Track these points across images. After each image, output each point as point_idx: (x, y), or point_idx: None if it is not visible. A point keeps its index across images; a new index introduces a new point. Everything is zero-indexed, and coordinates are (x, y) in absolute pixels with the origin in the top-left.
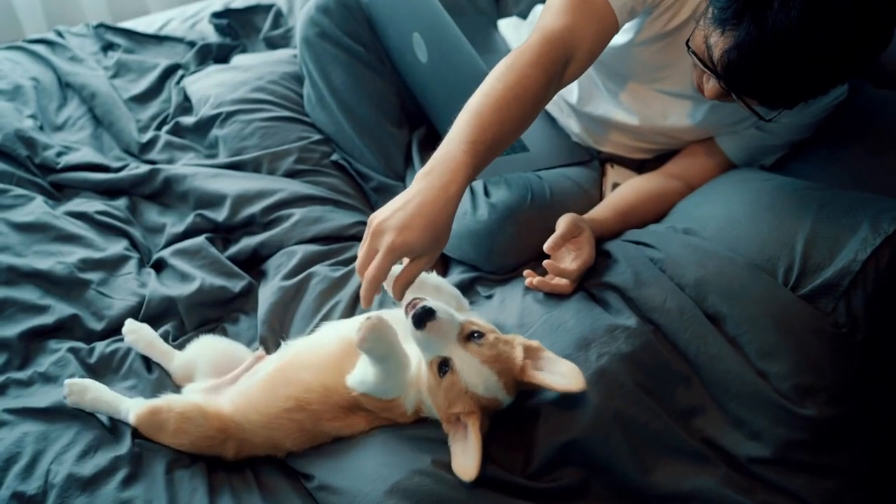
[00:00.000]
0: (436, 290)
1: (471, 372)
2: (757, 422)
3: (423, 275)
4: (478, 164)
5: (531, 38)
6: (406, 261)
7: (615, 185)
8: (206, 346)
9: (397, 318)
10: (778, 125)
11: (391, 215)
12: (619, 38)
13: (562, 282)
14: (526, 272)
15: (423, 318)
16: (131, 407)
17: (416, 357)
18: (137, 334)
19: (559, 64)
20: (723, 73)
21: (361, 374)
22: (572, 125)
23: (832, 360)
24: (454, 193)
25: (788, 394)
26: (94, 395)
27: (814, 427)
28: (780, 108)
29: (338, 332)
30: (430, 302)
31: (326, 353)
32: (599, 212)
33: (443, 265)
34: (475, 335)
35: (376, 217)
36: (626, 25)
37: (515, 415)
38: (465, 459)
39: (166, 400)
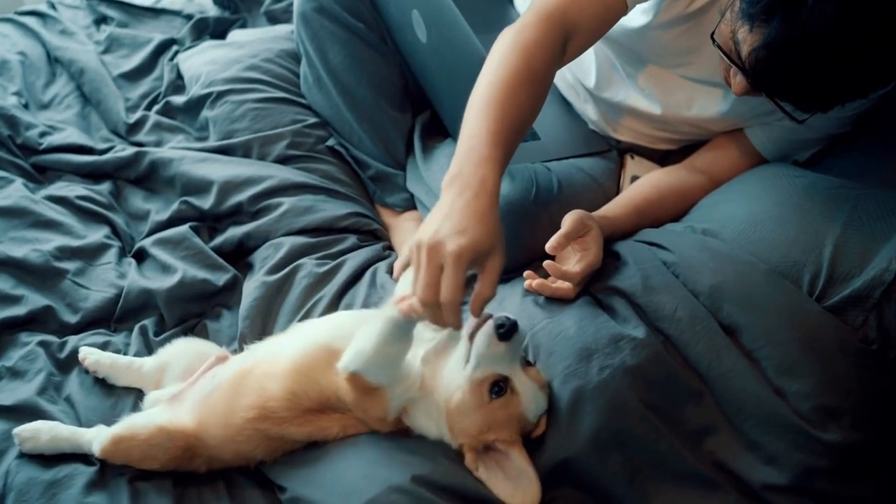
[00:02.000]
0: None
1: (530, 397)
2: (773, 445)
3: None
4: (505, 154)
5: (526, 17)
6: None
7: (634, 179)
8: (181, 349)
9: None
10: (814, 117)
11: (440, 227)
12: (637, 20)
13: (564, 285)
14: (526, 273)
15: (512, 330)
16: (94, 438)
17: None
18: (98, 356)
19: (560, 42)
20: (751, 72)
21: (360, 344)
22: (589, 111)
23: (859, 380)
24: (492, 187)
25: (809, 416)
26: (50, 434)
27: (836, 453)
28: (814, 111)
29: (307, 335)
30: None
31: (293, 359)
32: (612, 208)
33: None
34: (528, 362)
35: (423, 236)
36: (644, 6)
37: None
38: (526, 488)
39: (129, 427)
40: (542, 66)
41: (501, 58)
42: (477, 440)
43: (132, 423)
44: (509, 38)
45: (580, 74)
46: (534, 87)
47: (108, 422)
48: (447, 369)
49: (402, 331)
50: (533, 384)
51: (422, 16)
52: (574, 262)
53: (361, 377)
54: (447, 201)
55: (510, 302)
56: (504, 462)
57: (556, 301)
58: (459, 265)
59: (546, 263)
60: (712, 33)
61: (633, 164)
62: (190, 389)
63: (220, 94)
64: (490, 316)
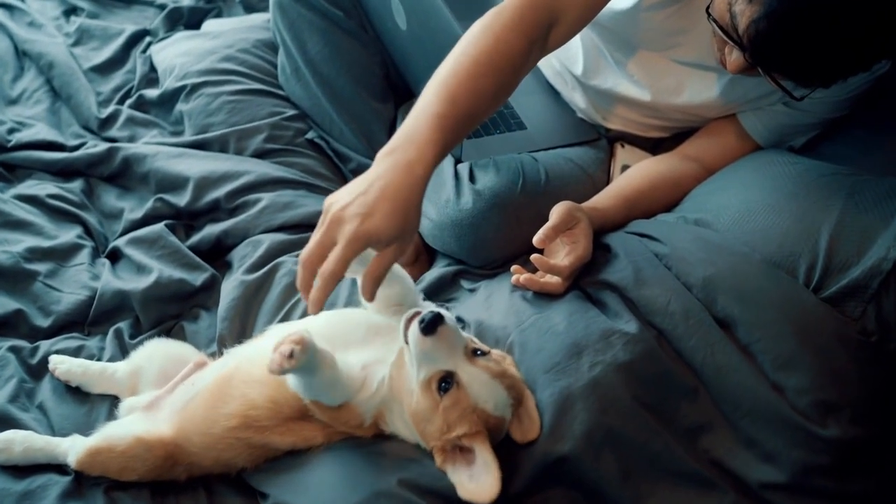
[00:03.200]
0: (398, 285)
1: (480, 387)
2: (771, 442)
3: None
4: (448, 141)
5: None
6: (372, 252)
7: (624, 168)
8: (154, 353)
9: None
10: (810, 101)
11: (351, 201)
12: (624, 2)
13: (552, 279)
14: (513, 268)
15: (434, 322)
16: (69, 449)
17: (377, 360)
18: (68, 365)
19: (541, 27)
20: (749, 46)
21: (292, 383)
22: (577, 99)
23: (858, 373)
24: (421, 174)
25: (808, 411)
26: (24, 445)
27: (836, 449)
28: (815, 86)
29: None
30: (439, 308)
31: None
32: (601, 199)
33: (427, 257)
34: (478, 352)
35: (334, 203)
36: None
37: None
38: (482, 480)
39: (106, 439)
40: (513, 53)
41: (472, 38)
42: (444, 441)
43: (109, 435)
44: (485, 18)
45: (567, 61)
46: (500, 74)
47: (83, 430)
48: (408, 376)
49: (302, 369)
50: (482, 373)
51: (401, 3)
52: (563, 255)
53: (319, 402)
54: (372, 175)
55: (498, 297)
56: (472, 459)
57: (544, 296)
58: (351, 247)
59: (534, 257)
60: (707, 7)
61: (623, 153)
62: (168, 397)
63: (195, 87)
64: (418, 313)
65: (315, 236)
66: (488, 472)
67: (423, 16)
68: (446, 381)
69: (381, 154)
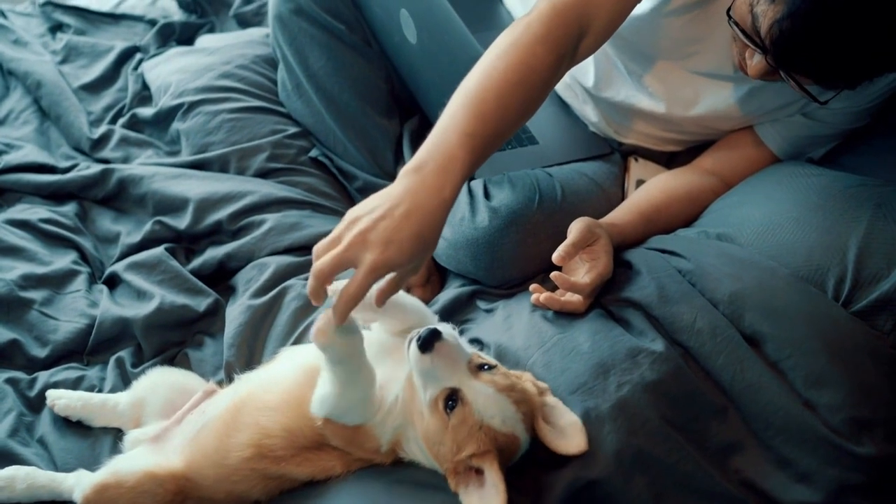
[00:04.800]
0: (395, 304)
1: (485, 402)
2: (805, 461)
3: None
4: (476, 161)
5: (538, 7)
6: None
7: (639, 183)
8: (157, 383)
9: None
10: (828, 111)
11: (374, 225)
12: (642, 6)
13: (573, 298)
14: (532, 287)
15: (431, 339)
16: (75, 485)
17: (390, 379)
18: (67, 399)
19: (571, 39)
20: (771, 48)
21: (320, 389)
22: (589, 113)
23: (892, 389)
24: (449, 197)
25: (841, 428)
26: (27, 482)
27: (872, 467)
28: (840, 87)
29: (298, 362)
30: (437, 324)
31: (285, 390)
32: (619, 215)
33: (439, 279)
34: (485, 367)
35: (359, 219)
36: None
37: (522, 461)
38: (491, 502)
39: (114, 474)
40: (543, 67)
41: (500, 51)
42: (456, 462)
43: (117, 469)
44: (514, 29)
45: (577, 74)
46: (529, 89)
47: (87, 464)
48: (418, 399)
49: (350, 364)
50: (487, 387)
51: (411, 15)
52: (583, 272)
53: (335, 421)
54: (398, 193)
55: (517, 318)
56: (484, 480)
57: (566, 315)
58: (372, 276)
59: (554, 274)
60: (728, 9)
61: (637, 168)
62: (176, 428)
63: (193, 105)
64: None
65: (334, 248)
66: (496, 494)
67: (436, 29)
68: (452, 399)
69: (408, 170)
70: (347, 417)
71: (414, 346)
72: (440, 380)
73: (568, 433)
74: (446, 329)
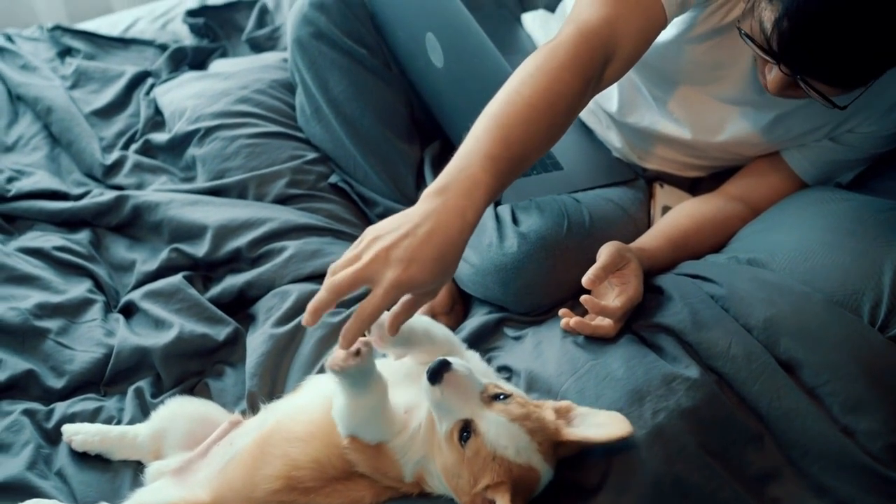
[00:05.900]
0: (425, 335)
1: (498, 432)
2: (844, 489)
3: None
4: (499, 185)
5: (564, 32)
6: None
7: (665, 209)
8: (177, 413)
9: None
10: (855, 135)
11: (397, 243)
12: (667, 33)
13: (604, 322)
14: (562, 311)
15: (439, 370)
16: None
17: (417, 405)
18: (84, 434)
19: (597, 64)
20: (777, 51)
21: (335, 403)
22: (613, 138)
23: None
24: (471, 219)
25: (881, 455)
26: None
27: None
28: (853, 86)
29: (324, 391)
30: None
31: (312, 420)
32: (648, 240)
33: (463, 306)
34: (500, 396)
35: (380, 238)
36: (677, 19)
37: (556, 490)
38: None
39: None
40: (569, 93)
41: (526, 76)
42: (472, 496)
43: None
44: (540, 54)
45: (601, 99)
46: (555, 115)
47: (108, 497)
48: (437, 432)
49: (358, 380)
50: (499, 417)
51: (438, 39)
52: (613, 296)
53: (358, 438)
54: (421, 213)
55: (548, 345)
56: None
57: (597, 340)
58: (391, 295)
59: (584, 298)
60: (738, 21)
61: (662, 194)
62: (201, 460)
63: (209, 130)
64: None
65: (352, 265)
66: None
67: (465, 54)
68: (466, 431)
69: (431, 192)
70: (365, 432)
71: (424, 378)
72: (453, 411)
73: (607, 423)
74: (456, 360)
